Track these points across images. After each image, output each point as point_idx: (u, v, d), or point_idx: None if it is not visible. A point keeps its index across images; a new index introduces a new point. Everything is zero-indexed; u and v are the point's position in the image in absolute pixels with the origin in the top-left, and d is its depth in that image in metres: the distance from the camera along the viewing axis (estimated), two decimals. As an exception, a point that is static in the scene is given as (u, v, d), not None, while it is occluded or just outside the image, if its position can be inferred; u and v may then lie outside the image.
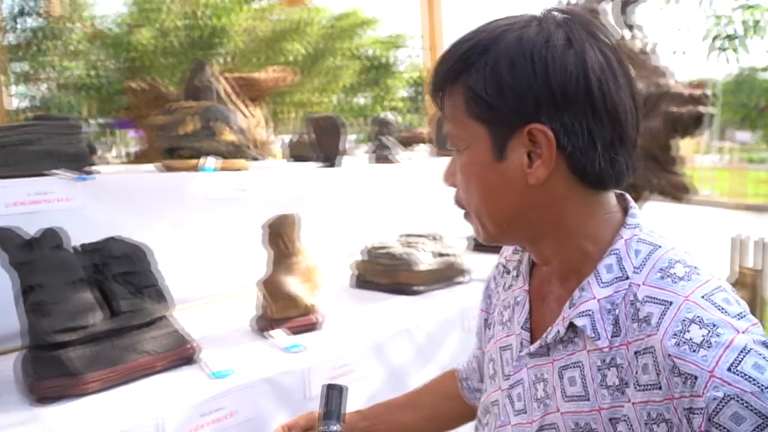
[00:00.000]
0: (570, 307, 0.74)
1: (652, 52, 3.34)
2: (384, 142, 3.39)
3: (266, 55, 12.71)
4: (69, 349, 1.34)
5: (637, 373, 0.67)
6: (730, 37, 7.26)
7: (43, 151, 1.90)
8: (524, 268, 0.89)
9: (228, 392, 1.40)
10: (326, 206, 2.66)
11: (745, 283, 3.73)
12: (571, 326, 0.74)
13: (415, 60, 17.25)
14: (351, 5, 14.75)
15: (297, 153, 3.58)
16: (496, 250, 1.02)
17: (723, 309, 0.64)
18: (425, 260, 2.20)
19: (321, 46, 13.93)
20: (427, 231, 2.43)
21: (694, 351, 0.61)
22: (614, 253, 0.73)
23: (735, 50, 7.27)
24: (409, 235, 2.43)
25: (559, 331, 0.75)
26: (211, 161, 2.30)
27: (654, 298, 0.67)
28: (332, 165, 2.90)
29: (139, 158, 6.30)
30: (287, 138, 3.89)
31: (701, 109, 2.98)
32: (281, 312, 1.75)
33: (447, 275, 2.25)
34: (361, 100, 18.34)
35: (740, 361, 0.59)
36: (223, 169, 2.34)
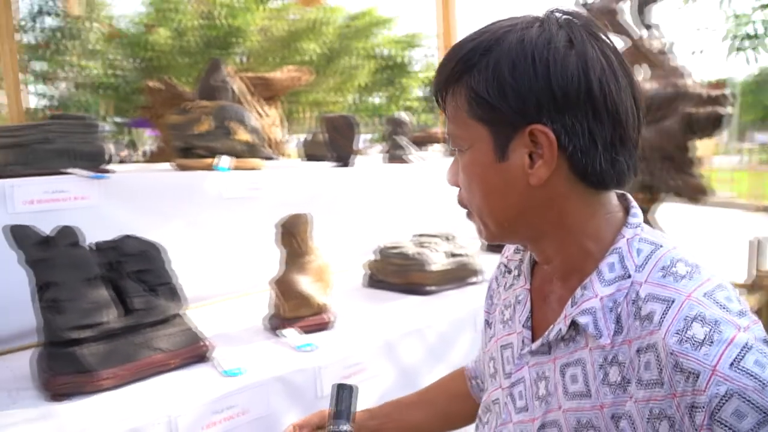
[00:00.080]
0: (572, 305, 0.74)
1: (669, 52, 3.31)
2: (398, 141, 3.39)
3: (282, 55, 12.77)
4: (83, 346, 1.36)
5: (639, 370, 0.67)
6: (749, 37, 7.18)
7: (60, 150, 1.93)
8: (525, 267, 0.89)
9: (240, 390, 1.41)
10: (340, 206, 2.67)
11: (762, 285, 3.68)
12: (573, 324, 0.74)
13: (431, 59, 17.23)
14: (367, 5, 14.72)
15: (311, 152, 3.59)
16: (507, 250, 1.02)
17: (724, 307, 0.65)
18: (438, 260, 2.20)
19: (336, 45, 13.96)
20: (440, 231, 2.43)
21: (697, 348, 0.62)
22: (616, 252, 0.73)
23: (755, 50, 7.19)
24: (421, 235, 2.43)
25: (561, 329, 0.75)
26: (225, 160, 2.32)
27: (656, 296, 0.68)
28: (346, 165, 2.91)
29: (154, 157, 6.36)
30: (302, 137, 3.90)
31: (720, 110, 2.94)
32: (293, 311, 1.76)
33: (459, 275, 2.25)
34: (376, 99, 18.36)
35: (742, 358, 0.60)
36: (236, 168, 2.35)
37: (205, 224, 2.19)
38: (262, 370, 1.49)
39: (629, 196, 0.80)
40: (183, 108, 2.46)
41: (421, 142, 4.78)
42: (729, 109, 2.96)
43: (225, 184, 2.25)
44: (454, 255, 2.27)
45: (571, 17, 0.73)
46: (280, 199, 2.36)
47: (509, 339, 0.87)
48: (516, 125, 0.71)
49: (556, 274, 0.81)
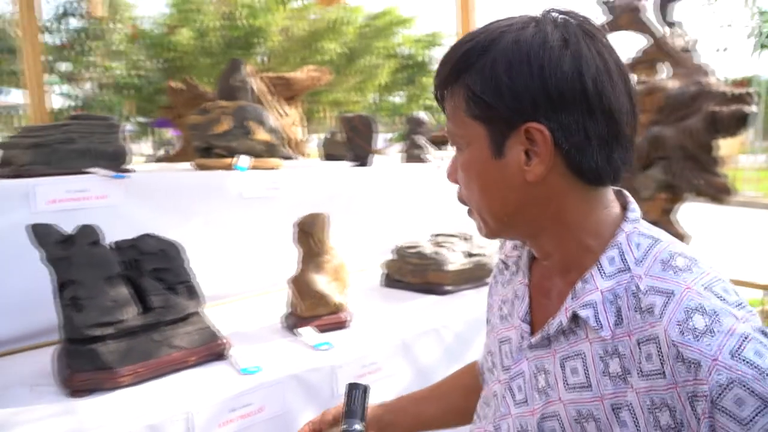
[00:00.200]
0: (573, 299, 0.76)
1: (692, 50, 3.26)
2: (416, 141, 3.38)
3: (302, 55, 12.83)
4: (103, 344, 1.38)
5: (640, 361, 0.69)
6: (776, 34, 7.05)
7: (82, 150, 1.96)
8: (524, 263, 0.90)
9: (257, 388, 1.42)
10: (358, 205, 2.67)
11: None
12: (574, 317, 0.75)
13: (451, 59, 17.14)
14: (387, 4, 14.74)
15: (329, 152, 3.60)
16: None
17: (723, 298, 0.67)
18: (455, 260, 2.20)
19: (357, 45, 13.99)
20: (457, 231, 2.42)
21: (698, 338, 0.64)
22: (616, 246, 0.75)
23: (782, 47, 7.06)
24: (439, 235, 2.43)
25: (561, 322, 0.76)
26: (244, 160, 2.33)
27: (657, 289, 0.69)
28: (364, 164, 2.91)
29: (176, 157, 6.42)
30: (322, 137, 3.92)
31: (745, 108, 2.89)
32: (310, 310, 1.77)
33: (477, 275, 2.24)
34: (396, 99, 18.36)
35: (742, 348, 0.62)
36: (255, 168, 2.37)
37: (224, 223, 2.21)
38: (279, 368, 1.50)
39: (626, 192, 0.82)
40: (203, 108, 2.48)
41: (440, 141, 4.77)
42: (754, 108, 2.91)
43: (244, 184, 2.26)
44: (471, 255, 2.26)
45: (567, 17, 0.74)
46: (298, 199, 2.37)
47: (507, 334, 0.89)
48: (512, 123, 0.72)
49: (555, 269, 0.82)
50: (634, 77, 3.66)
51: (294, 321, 1.78)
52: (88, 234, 1.46)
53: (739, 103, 2.94)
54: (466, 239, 2.36)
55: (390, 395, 1.60)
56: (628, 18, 3.48)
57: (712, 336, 0.63)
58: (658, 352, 0.67)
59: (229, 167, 2.31)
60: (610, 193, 0.79)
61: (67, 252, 1.41)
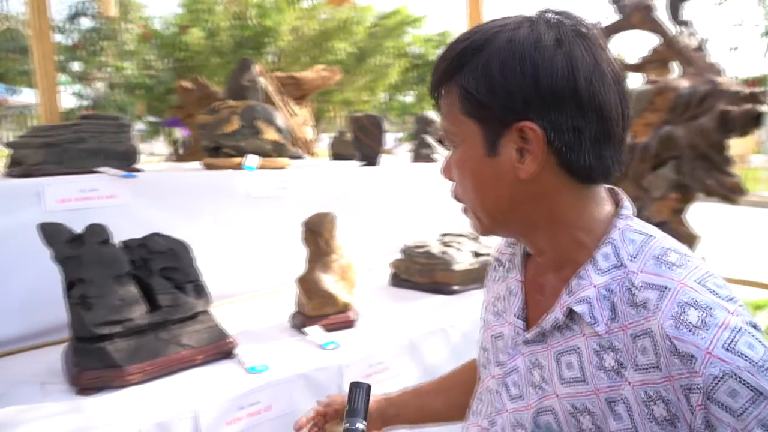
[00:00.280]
0: (568, 294, 0.76)
1: (704, 49, 3.24)
2: (425, 140, 3.38)
3: (313, 55, 12.84)
4: (111, 342, 1.39)
5: (635, 355, 0.70)
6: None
7: (93, 150, 1.97)
8: (518, 260, 0.91)
9: (264, 387, 1.43)
10: (366, 205, 2.67)
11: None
12: (569, 313, 0.76)
13: (461, 58, 17.11)
14: (397, 4, 14.73)
15: (338, 152, 3.61)
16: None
17: (715, 292, 0.68)
18: (463, 260, 2.19)
19: (367, 44, 13.98)
20: (465, 230, 2.42)
21: (692, 332, 0.65)
22: (610, 242, 0.76)
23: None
24: (447, 235, 2.43)
25: (557, 318, 0.77)
26: (252, 159, 2.34)
27: (651, 284, 0.70)
28: (373, 164, 2.91)
29: (187, 156, 6.45)
30: (332, 136, 3.93)
31: (757, 107, 2.87)
32: (317, 309, 1.77)
33: (485, 275, 2.23)
34: (406, 98, 18.35)
35: (735, 340, 0.63)
36: (263, 167, 2.37)
37: (232, 223, 2.22)
38: (286, 367, 1.51)
39: (618, 189, 0.83)
40: (212, 108, 2.49)
41: (450, 140, 4.76)
42: (766, 107, 2.89)
43: (252, 183, 2.27)
44: (479, 254, 2.25)
45: (561, 18, 0.75)
46: (306, 198, 2.38)
47: (501, 330, 0.90)
48: (505, 122, 0.73)
49: (549, 266, 0.83)
50: (644, 77, 3.64)
51: (301, 320, 1.78)
52: (97, 233, 1.47)
53: (751, 102, 2.92)
54: (474, 239, 2.36)
55: (396, 394, 1.61)
56: (639, 17, 3.46)
57: (706, 329, 0.64)
58: (653, 345, 0.67)
59: (237, 167, 2.32)
60: (602, 190, 0.80)
61: (77, 251, 1.43)
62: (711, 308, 0.66)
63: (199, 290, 1.60)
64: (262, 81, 3.86)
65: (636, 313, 0.70)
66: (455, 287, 2.15)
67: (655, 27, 3.33)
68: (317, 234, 1.80)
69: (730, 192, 3.06)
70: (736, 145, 3.16)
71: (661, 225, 2.95)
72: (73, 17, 12.56)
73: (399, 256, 2.34)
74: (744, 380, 0.62)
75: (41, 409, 1.27)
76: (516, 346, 0.84)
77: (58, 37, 12.48)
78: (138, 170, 2.05)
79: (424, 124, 3.55)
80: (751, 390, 0.61)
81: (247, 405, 1.39)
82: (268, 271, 2.28)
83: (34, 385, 1.41)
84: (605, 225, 0.78)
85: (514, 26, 0.74)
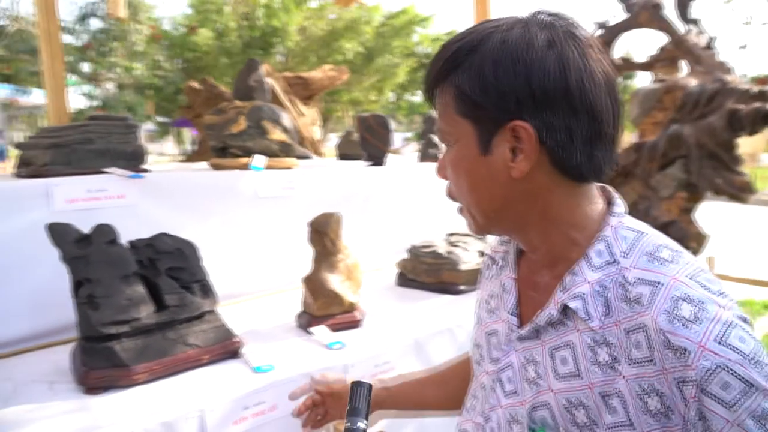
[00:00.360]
0: (562, 291, 0.78)
1: (712, 47, 3.22)
2: (432, 140, 3.38)
3: (321, 54, 12.85)
4: (118, 342, 1.40)
5: (629, 349, 0.71)
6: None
7: (101, 150, 1.99)
8: (511, 257, 0.93)
9: (270, 386, 1.43)
10: (373, 205, 2.68)
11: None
12: (563, 309, 0.78)
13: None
14: (405, 3, 14.72)
15: (344, 152, 3.61)
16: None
17: (707, 287, 0.70)
18: (469, 259, 2.19)
19: (375, 44, 13.98)
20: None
21: (685, 326, 0.66)
22: (604, 239, 0.78)
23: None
24: (453, 234, 2.43)
25: (551, 314, 0.79)
26: (259, 160, 2.35)
27: (644, 280, 0.72)
28: (379, 164, 2.91)
29: (196, 156, 6.48)
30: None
31: (767, 106, 2.85)
32: (323, 309, 1.77)
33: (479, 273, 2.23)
34: (415, 98, 18.34)
35: (727, 334, 0.65)
36: (270, 167, 2.38)
37: (239, 223, 2.23)
38: (292, 367, 1.51)
39: (609, 187, 0.85)
40: (219, 108, 2.50)
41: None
42: (777, 105, 2.86)
43: (259, 184, 2.28)
44: (485, 254, 2.25)
45: (553, 19, 0.77)
46: (313, 198, 2.38)
47: (495, 326, 0.91)
48: (498, 121, 0.75)
49: (543, 263, 0.84)
50: (652, 76, 3.62)
51: (307, 320, 1.79)
52: (104, 233, 1.48)
53: (760, 100, 2.90)
54: (480, 239, 2.36)
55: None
56: (647, 15, 3.45)
57: (699, 323, 0.66)
58: (647, 339, 0.69)
59: (244, 167, 2.32)
60: (594, 188, 0.82)
61: (84, 251, 1.43)
62: (703, 303, 0.68)
63: (206, 290, 1.61)
64: (270, 81, 3.87)
65: (629, 308, 0.72)
66: (462, 287, 2.15)
67: (663, 26, 3.32)
68: (323, 234, 1.81)
69: (740, 191, 3.04)
70: (745, 144, 3.15)
71: (669, 224, 2.94)
72: (83, 18, 12.64)
73: (405, 255, 2.34)
74: (736, 372, 0.63)
75: (49, 408, 1.28)
76: (510, 342, 0.86)
77: (68, 38, 12.56)
78: (145, 171, 2.06)
79: (431, 124, 3.55)
80: (743, 382, 0.63)
81: (252, 405, 1.40)
82: (274, 271, 2.29)
83: (42, 384, 1.42)
84: (598, 222, 0.80)
85: (507, 27, 0.75)
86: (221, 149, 2.45)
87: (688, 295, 0.68)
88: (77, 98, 13.70)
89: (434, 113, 3.10)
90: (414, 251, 2.30)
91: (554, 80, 0.72)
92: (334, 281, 1.80)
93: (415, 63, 15.88)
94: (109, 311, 1.39)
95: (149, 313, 1.46)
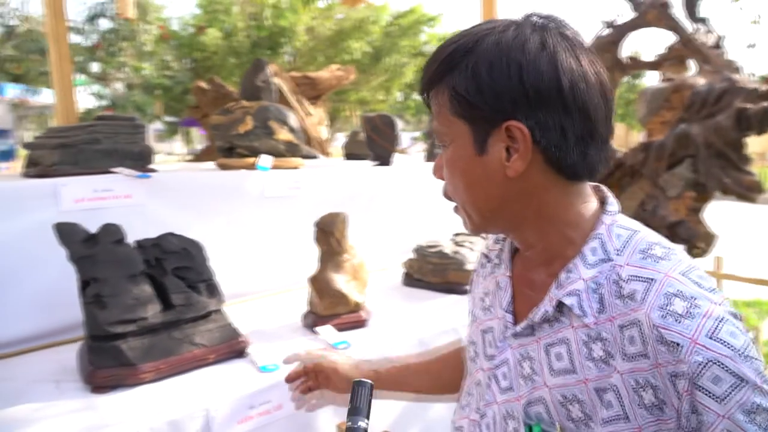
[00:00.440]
0: (558, 288, 0.79)
1: (721, 46, 3.20)
2: (439, 140, 3.37)
3: (329, 54, 12.85)
4: (125, 341, 1.40)
5: (623, 345, 0.73)
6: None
7: (108, 150, 2.00)
8: (506, 255, 0.93)
9: (275, 386, 1.43)
10: (379, 204, 2.68)
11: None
12: (558, 305, 0.79)
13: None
14: (412, 3, 14.70)
15: (351, 151, 3.62)
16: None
17: (699, 284, 0.72)
18: (475, 260, 2.19)
19: (383, 43, 13.96)
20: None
21: (678, 321, 0.68)
22: (598, 237, 0.79)
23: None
24: (459, 234, 2.42)
25: (547, 311, 0.80)
26: (265, 160, 2.35)
27: (638, 277, 0.74)
28: (386, 163, 2.92)
29: (203, 156, 6.50)
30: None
31: (777, 104, 2.82)
32: (329, 309, 1.78)
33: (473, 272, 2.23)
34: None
35: (718, 329, 0.67)
36: (277, 167, 2.39)
37: (246, 222, 2.23)
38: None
39: (603, 187, 0.86)
40: (225, 108, 2.51)
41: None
42: (787, 104, 2.84)
43: (265, 183, 2.29)
44: (480, 252, 2.25)
45: (545, 21, 0.78)
46: (319, 198, 2.39)
47: (490, 324, 0.92)
48: (493, 121, 0.76)
49: (538, 261, 0.85)
50: (660, 75, 3.60)
51: (313, 319, 1.79)
52: (111, 233, 1.49)
53: (770, 99, 2.88)
54: (485, 238, 2.35)
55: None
56: (655, 14, 3.43)
57: (691, 319, 0.68)
58: (641, 335, 0.70)
59: (251, 167, 2.33)
60: (588, 188, 0.83)
61: (91, 250, 1.44)
62: (696, 299, 0.69)
63: (212, 289, 1.62)
64: (277, 81, 3.88)
65: (623, 304, 0.73)
66: (467, 287, 2.15)
67: (671, 24, 3.30)
68: (329, 234, 1.81)
69: (748, 190, 3.02)
70: (754, 143, 3.12)
71: (677, 224, 2.93)
72: (92, 18, 12.70)
73: (411, 255, 2.34)
74: (727, 367, 0.65)
75: (56, 407, 1.29)
76: (505, 339, 0.87)
77: (78, 38, 12.62)
78: (152, 170, 2.07)
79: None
80: (734, 376, 0.65)
81: (258, 404, 1.40)
82: (280, 270, 2.29)
83: (49, 383, 1.43)
84: (592, 221, 0.81)
85: (501, 29, 0.77)
86: (228, 149, 2.46)
87: (681, 292, 0.70)
88: (87, 98, 13.77)
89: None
90: (420, 251, 2.30)
91: (547, 80, 0.73)
92: (340, 281, 1.80)
93: (422, 62, 15.84)
94: (115, 310, 1.40)
95: (156, 313, 1.47)
